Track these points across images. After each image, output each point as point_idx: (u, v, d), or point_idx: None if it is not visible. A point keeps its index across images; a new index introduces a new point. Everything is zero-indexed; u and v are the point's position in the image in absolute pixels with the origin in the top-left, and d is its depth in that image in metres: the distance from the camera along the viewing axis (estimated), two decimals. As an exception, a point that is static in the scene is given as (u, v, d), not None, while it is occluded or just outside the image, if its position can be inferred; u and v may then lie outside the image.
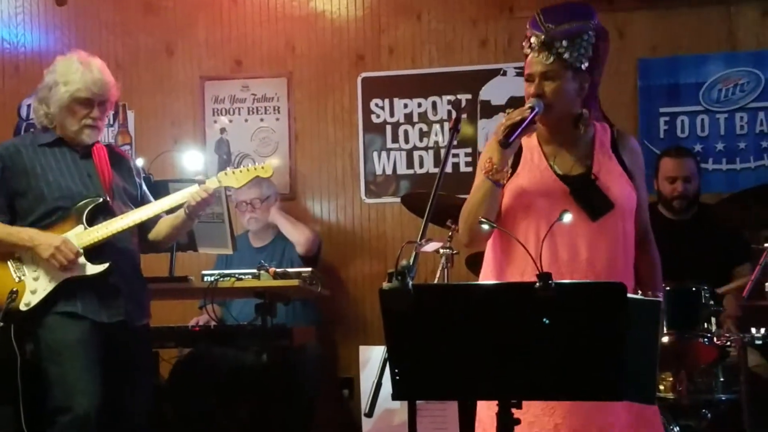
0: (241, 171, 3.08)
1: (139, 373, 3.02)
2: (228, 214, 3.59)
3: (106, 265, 2.89)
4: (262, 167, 3.09)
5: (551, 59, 2.34)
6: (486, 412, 2.35)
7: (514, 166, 2.43)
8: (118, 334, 2.91)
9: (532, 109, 2.32)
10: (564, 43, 2.33)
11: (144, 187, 3.21)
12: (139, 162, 3.52)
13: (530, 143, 2.45)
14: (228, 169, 3.13)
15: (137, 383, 3.01)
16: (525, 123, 2.27)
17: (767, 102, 4.33)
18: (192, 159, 4.59)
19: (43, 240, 2.86)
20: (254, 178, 3.09)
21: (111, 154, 3.09)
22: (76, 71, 2.97)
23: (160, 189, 3.53)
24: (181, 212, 3.03)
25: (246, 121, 4.82)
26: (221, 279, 3.50)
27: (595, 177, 2.39)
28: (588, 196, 2.36)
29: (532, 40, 2.37)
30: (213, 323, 3.85)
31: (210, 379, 3.98)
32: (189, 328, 3.98)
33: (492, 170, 2.33)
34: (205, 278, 3.55)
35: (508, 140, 2.27)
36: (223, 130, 4.83)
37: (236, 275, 3.53)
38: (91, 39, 4.82)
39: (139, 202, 3.11)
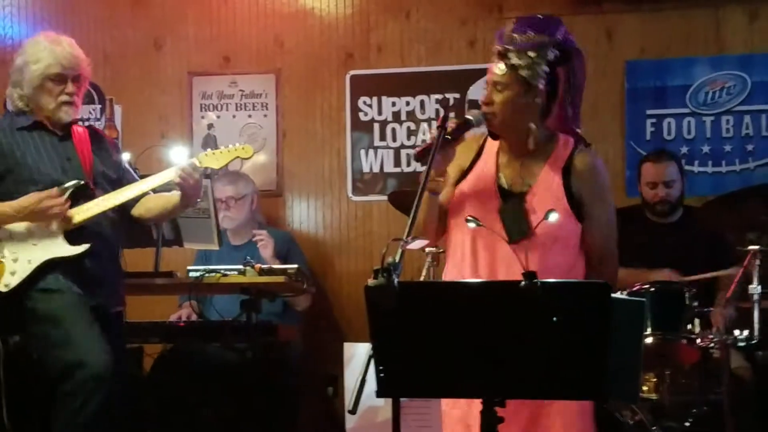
0: (221, 151, 3.06)
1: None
2: (214, 210, 3.58)
3: (86, 246, 2.88)
4: (243, 148, 3.07)
5: (504, 70, 2.34)
6: (450, 410, 2.37)
7: (471, 166, 2.45)
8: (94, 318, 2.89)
9: (466, 121, 2.36)
10: (517, 56, 2.32)
11: (126, 164, 3.18)
12: (125, 156, 3.51)
13: (491, 148, 2.45)
14: (208, 149, 3.10)
15: None
16: (437, 142, 2.31)
17: (753, 105, 4.36)
18: (179, 154, 4.57)
19: (26, 199, 2.86)
20: (234, 159, 3.07)
21: (92, 135, 3.07)
22: (44, 49, 2.95)
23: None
24: (174, 196, 3.02)
25: (234, 117, 4.81)
26: (207, 275, 3.49)
27: (526, 199, 2.36)
28: (512, 217, 2.34)
29: (494, 48, 2.39)
30: (195, 318, 3.85)
31: (193, 374, 3.96)
32: (173, 323, 3.97)
33: (431, 181, 2.33)
34: (191, 274, 3.54)
35: (419, 158, 2.35)
36: (210, 126, 4.82)
37: (222, 271, 3.52)
38: (79, 32, 4.78)
39: (121, 183, 3.08)
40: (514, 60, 2.31)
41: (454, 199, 2.43)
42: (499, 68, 2.35)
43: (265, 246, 4.06)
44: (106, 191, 3.00)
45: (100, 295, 2.94)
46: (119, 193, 2.98)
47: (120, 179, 3.09)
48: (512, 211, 2.35)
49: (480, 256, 2.35)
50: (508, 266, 2.27)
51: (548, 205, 2.28)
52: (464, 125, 2.39)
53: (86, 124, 3.23)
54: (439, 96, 4.59)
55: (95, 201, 2.94)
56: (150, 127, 4.83)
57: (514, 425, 2.17)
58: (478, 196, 2.40)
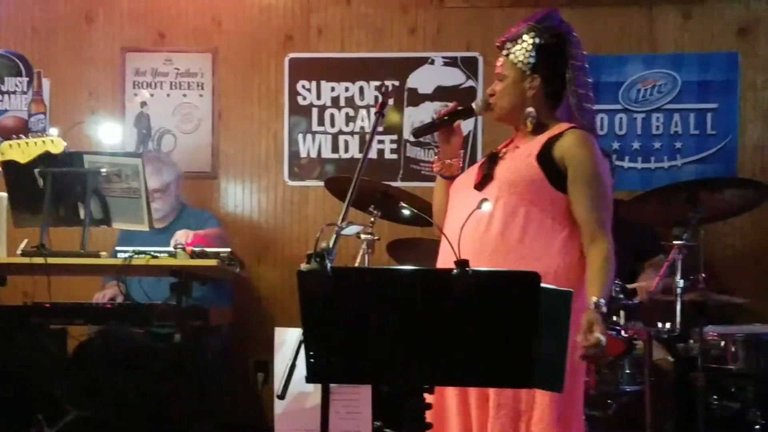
0: (27, 143, 2.93)
1: None
2: (145, 190, 3.51)
3: None
4: (52, 141, 2.95)
5: (501, 61, 2.53)
6: None
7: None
8: None
9: (467, 108, 2.54)
10: (508, 45, 2.51)
11: None
12: (53, 132, 3.41)
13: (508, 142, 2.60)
14: (14, 138, 2.97)
15: None
16: (437, 121, 2.55)
17: (682, 104, 4.46)
18: (109, 132, 4.48)
19: None
20: (43, 153, 2.93)
21: None
22: None
23: (74, 161, 3.44)
24: None
25: (168, 95, 4.72)
26: (136, 256, 3.43)
27: (503, 157, 2.50)
28: (486, 168, 2.49)
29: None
30: (121, 299, 3.76)
31: (119, 358, 3.89)
32: (100, 305, 3.89)
33: (436, 163, 2.59)
34: (119, 255, 3.47)
35: (414, 135, 2.66)
36: (143, 104, 4.73)
37: (151, 253, 3.45)
38: (7, 3, 4.65)
39: None
40: (507, 50, 2.50)
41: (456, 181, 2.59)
42: (499, 60, 2.54)
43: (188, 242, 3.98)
44: None
45: None
46: None
47: None
48: (489, 163, 2.49)
49: (457, 205, 2.49)
50: (483, 219, 2.38)
51: (518, 160, 2.42)
52: (463, 112, 2.55)
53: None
54: (378, 83, 4.59)
55: None
56: (79, 103, 4.72)
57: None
58: (471, 176, 2.54)
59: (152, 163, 4.35)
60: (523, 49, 2.47)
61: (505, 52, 2.51)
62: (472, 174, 2.52)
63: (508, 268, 2.26)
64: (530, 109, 2.48)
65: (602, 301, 2.27)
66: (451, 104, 2.57)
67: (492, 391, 2.31)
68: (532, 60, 2.46)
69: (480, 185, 2.44)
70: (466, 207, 2.28)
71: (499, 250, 2.34)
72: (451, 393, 2.38)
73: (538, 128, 2.49)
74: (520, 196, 2.38)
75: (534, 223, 2.37)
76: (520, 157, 2.44)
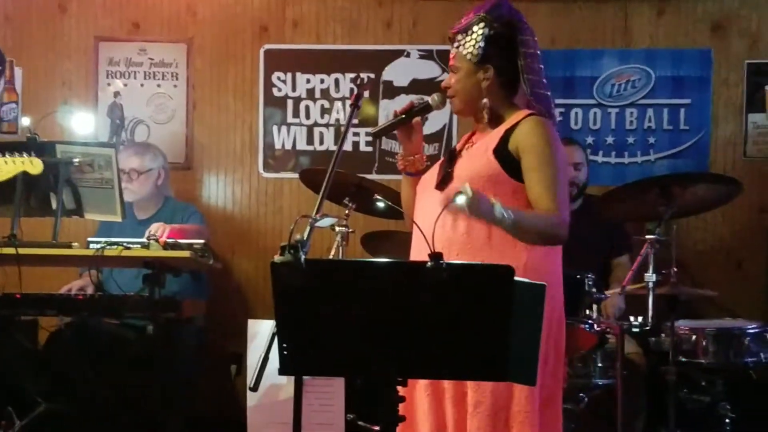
0: (6, 162, 2.92)
1: None
2: (118, 180, 3.48)
3: None
4: (31, 162, 2.94)
5: (454, 53, 2.50)
6: None
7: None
8: None
9: (426, 105, 2.51)
10: (459, 37, 2.49)
11: None
12: (25, 121, 3.38)
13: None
14: None
15: None
16: (394, 120, 2.52)
17: (656, 99, 4.50)
18: (82, 121, 4.44)
19: None
20: (20, 173, 2.91)
21: None
22: None
23: (46, 150, 3.40)
24: None
25: (142, 85, 4.68)
26: (108, 247, 3.40)
27: (461, 154, 2.49)
28: (446, 167, 2.48)
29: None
30: (91, 290, 3.74)
31: (91, 349, 3.87)
32: (72, 296, 3.85)
33: (399, 160, 2.58)
34: (91, 245, 3.44)
35: (374, 136, 2.62)
36: (117, 94, 4.68)
37: (124, 244, 3.43)
38: (-21, -10, 4.59)
39: None
40: (458, 42, 2.48)
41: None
42: (451, 53, 2.51)
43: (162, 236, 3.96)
44: None
45: None
46: None
47: None
48: (448, 161, 2.49)
49: (423, 205, 2.46)
50: (433, 209, 2.26)
51: (477, 156, 2.41)
52: (420, 108, 2.52)
53: None
54: (354, 75, 4.58)
55: None
56: (52, 93, 4.67)
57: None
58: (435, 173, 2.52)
59: (136, 146, 4.33)
60: (473, 40, 2.44)
61: (456, 44, 2.48)
62: (434, 173, 2.51)
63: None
64: (485, 101, 2.46)
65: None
66: (406, 103, 2.55)
67: (470, 389, 2.31)
68: (481, 51, 2.43)
69: (440, 185, 2.43)
70: (430, 207, 2.29)
71: (466, 249, 2.33)
72: (422, 392, 2.37)
73: (496, 119, 2.47)
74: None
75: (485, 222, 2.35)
76: (478, 154, 2.43)
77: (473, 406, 2.30)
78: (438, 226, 2.19)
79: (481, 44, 2.44)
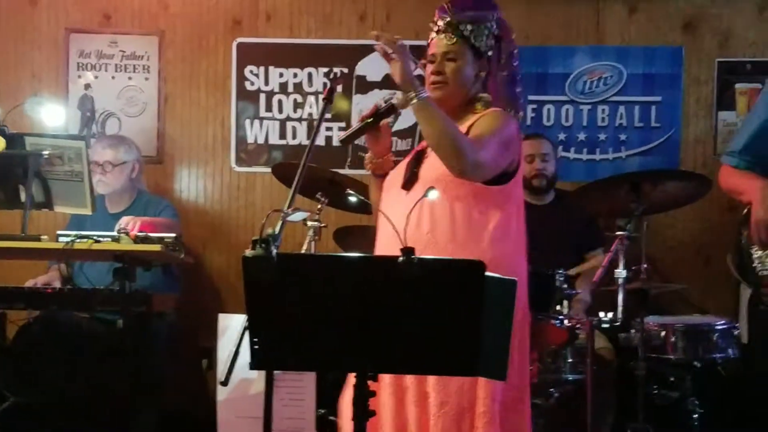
0: None
1: None
2: (88, 173, 3.45)
3: None
4: None
5: (455, 40, 2.48)
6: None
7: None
8: None
9: (391, 107, 2.46)
10: (468, 26, 2.49)
11: None
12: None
13: None
14: None
15: None
16: (361, 125, 2.49)
17: (627, 96, 4.53)
18: (52, 113, 4.39)
19: None
20: None
21: None
22: None
23: (15, 142, 3.37)
24: None
25: (113, 78, 4.64)
26: (78, 240, 3.36)
27: (425, 152, 2.48)
28: (412, 168, 2.48)
29: (439, 22, 2.52)
30: (59, 284, 3.70)
31: (60, 344, 3.83)
32: (41, 289, 3.81)
33: (367, 162, 2.57)
34: (61, 238, 3.40)
35: (343, 142, 2.56)
36: (87, 86, 4.64)
37: (94, 237, 3.39)
38: (-53, -20, 4.53)
39: None
40: (466, 31, 2.47)
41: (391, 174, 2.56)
42: (449, 38, 2.48)
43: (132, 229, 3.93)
44: None
45: None
46: None
47: None
48: (414, 162, 2.48)
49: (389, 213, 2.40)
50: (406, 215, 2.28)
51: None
52: (386, 111, 2.49)
53: None
54: (327, 69, 4.57)
55: None
56: (22, 84, 4.62)
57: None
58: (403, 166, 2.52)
59: (110, 138, 4.29)
60: (484, 35, 2.47)
61: (463, 32, 2.47)
62: (400, 173, 2.51)
63: None
64: (486, 95, 2.50)
65: (421, 94, 2.32)
66: (371, 106, 2.53)
67: (432, 389, 2.30)
68: (491, 47, 2.48)
69: (406, 185, 2.43)
70: (396, 207, 2.29)
71: (430, 248, 2.34)
72: (386, 391, 2.36)
73: (465, 115, 2.49)
74: (445, 193, 2.37)
75: (461, 218, 2.38)
76: None
77: (438, 406, 2.29)
78: (403, 227, 2.20)
79: (492, 41, 2.49)
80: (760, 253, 2.71)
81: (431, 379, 2.29)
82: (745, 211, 2.81)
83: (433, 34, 2.53)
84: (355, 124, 2.55)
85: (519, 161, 2.49)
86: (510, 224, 2.43)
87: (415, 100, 2.31)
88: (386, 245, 2.37)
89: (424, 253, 2.29)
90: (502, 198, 2.43)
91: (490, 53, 2.49)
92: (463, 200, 2.37)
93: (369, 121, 2.49)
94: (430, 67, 2.52)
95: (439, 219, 2.35)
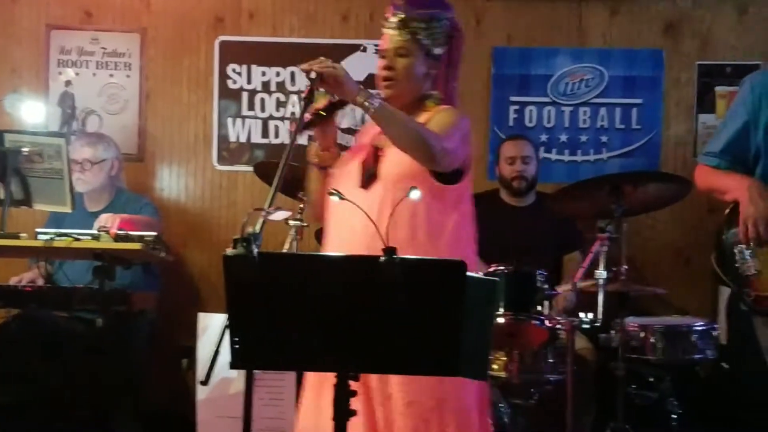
0: None
1: None
2: (68, 171, 3.43)
3: None
4: None
5: (407, 37, 2.47)
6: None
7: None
8: None
9: (343, 101, 2.42)
10: (421, 24, 2.46)
11: None
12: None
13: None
14: None
15: None
16: (315, 117, 2.42)
17: (609, 98, 4.55)
18: (32, 110, 4.36)
19: None
20: None
21: None
22: None
23: (-6, 139, 3.36)
24: None
25: (94, 75, 4.61)
26: (57, 238, 3.34)
27: (383, 150, 2.45)
28: (369, 166, 2.45)
29: (391, 18, 2.50)
30: (41, 282, 3.67)
31: (39, 342, 3.80)
32: (20, 287, 3.79)
33: (312, 155, 2.52)
34: (40, 236, 3.38)
35: (298, 129, 2.42)
36: (68, 83, 4.61)
37: (74, 235, 3.37)
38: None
39: None
40: (418, 28, 2.46)
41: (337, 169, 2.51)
42: (401, 34, 2.47)
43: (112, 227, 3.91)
44: None
45: None
46: None
47: None
48: (371, 161, 2.45)
49: (339, 208, 2.39)
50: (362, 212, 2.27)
51: (401, 154, 2.37)
52: (338, 103, 2.46)
53: None
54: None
55: None
56: (2, 81, 4.59)
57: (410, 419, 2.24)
58: (353, 156, 2.49)
59: (89, 136, 4.26)
60: (437, 34, 2.47)
61: (416, 30, 2.46)
62: (351, 169, 2.47)
63: None
64: (435, 92, 2.50)
65: (373, 100, 2.31)
66: (324, 99, 2.47)
67: (396, 390, 2.29)
68: (442, 47, 2.48)
69: (365, 184, 2.41)
70: (353, 207, 2.27)
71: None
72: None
73: (416, 112, 2.48)
74: (404, 192, 2.33)
75: (421, 218, 2.37)
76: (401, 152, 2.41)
77: (404, 406, 2.29)
78: (362, 226, 2.23)
79: (443, 40, 2.48)
80: (745, 251, 2.72)
81: (393, 379, 2.28)
82: (728, 210, 2.83)
83: (386, 30, 2.52)
84: (307, 114, 2.43)
85: (470, 161, 2.50)
86: (465, 225, 2.45)
87: (371, 109, 2.31)
88: (346, 241, 2.36)
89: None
90: (456, 197, 2.45)
91: (441, 52, 2.49)
92: (423, 200, 2.36)
93: (322, 114, 2.44)
94: (381, 62, 2.52)
95: (399, 218, 2.33)
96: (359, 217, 2.12)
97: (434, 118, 2.44)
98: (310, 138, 2.55)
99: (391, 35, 2.49)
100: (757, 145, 2.79)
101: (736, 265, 2.74)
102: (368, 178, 2.42)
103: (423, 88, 2.50)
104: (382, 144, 2.46)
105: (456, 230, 2.41)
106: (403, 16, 2.47)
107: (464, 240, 2.43)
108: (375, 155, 2.47)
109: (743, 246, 2.73)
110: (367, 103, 2.31)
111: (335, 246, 2.40)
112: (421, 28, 2.46)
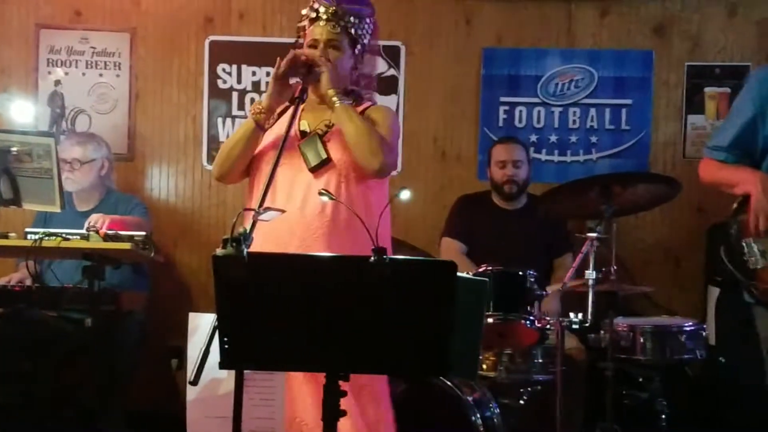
0: None
1: None
2: (58, 170, 3.41)
3: None
4: None
5: (338, 30, 2.57)
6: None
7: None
8: None
9: (310, 69, 2.54)
10: (352, 19, 2.58)
11: None
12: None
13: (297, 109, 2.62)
14: None
15: None
16: (304, 71, 2.53)
17: (598, 99, 4.57)
18: (21, 110, 4.34)
19: None
20: None
21: None
22: None
23: (-18, 138, 3.34)
24: None
25: (83, 74, 4.60)
26: (46, 238, 3.33)
27: (326, 137, 2.56)
28: (312, 149, 2.54)
29: (320, 9, 2.58)
30: (31, 283, 3.65)
31: (27, 342, 3.79)
32: (8, 287, 3.77)
33: (257, 111, 2.57)
34: (29, 236, 3.37)
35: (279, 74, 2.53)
36: (57, 83, 4.59)
37: (63, 235, 3.36)
38: None
39: None
40: (350, 23, 2.56)
41: (263, 142, 2.62)
42: (333, 26, 2.55)
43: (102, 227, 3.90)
44: None
45: None
46: None
47: None
48: (311, 144, 2.54)
49: (278, 188, 2.53)
50: (305, 194, 2.49)
51: (343, 142, 2.50)
52: (306, 69, 2.53)
53: None
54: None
55: None
56: (-9, 80, 4.57)
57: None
58: (279, 137, 2.53)
59: (79, 136, 4.24)
60: (364, 30, 2.59)
61: (347, 24, 2.57)
62: (293, 153, 2.55)
63: (340, 251, 2.39)
64: (358, 89, 2.65)
65: (343, 100, 2.50)
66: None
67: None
68: (366, 41, 2.61)
69: (316, 169, 2.51)
70: (304, 191, 2.45)
71: (330, 232, 2.44)
72: (311, 384, 2.44)
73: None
74: (345, 178, 2.52)
75: (362, 204, 2.50)
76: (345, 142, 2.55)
77: (358, 389, 2.40)
78: (308, 211, 2.42)
79: (368, 38, 2.61)
80: (753, 245, 2.73)
81: None
82: (736, 204, 2.82)
83: (319, 22, 2.58)
84: (291, 68, 2.55)
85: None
86: (388, 212, 2.56)
87: (338, 104, 2.48)
88: (274, 229, 2.41)
89: (323, 238, 2.42)
90: (385, 186, 2.61)
91: (364, 50, 2.62)
92: (364, 186, 2.53)
93: (309, 74, 2.51)
94: (309, 52, 2.58)
95: (340, 204, 2.46)
96: (310, 205, 2.27)
97: (375, 119, 2.57)
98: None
99: (322, 27, 2.57)
100: (764, 138, 2.79)
101: (744, 258, 2.74)
102: (321, 164, 2.51)
103: (348, 81, 2.61)
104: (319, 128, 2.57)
105: (385, 218, 2.52)
106: (334, 8, 2.56)
107: (388, 227, 2.59)
108: (321, 140, 2.55)
109: (751, 239, 2.73)
110: (335, 98, 2.47)
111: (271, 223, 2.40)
112: (352, 24, 2.56)
